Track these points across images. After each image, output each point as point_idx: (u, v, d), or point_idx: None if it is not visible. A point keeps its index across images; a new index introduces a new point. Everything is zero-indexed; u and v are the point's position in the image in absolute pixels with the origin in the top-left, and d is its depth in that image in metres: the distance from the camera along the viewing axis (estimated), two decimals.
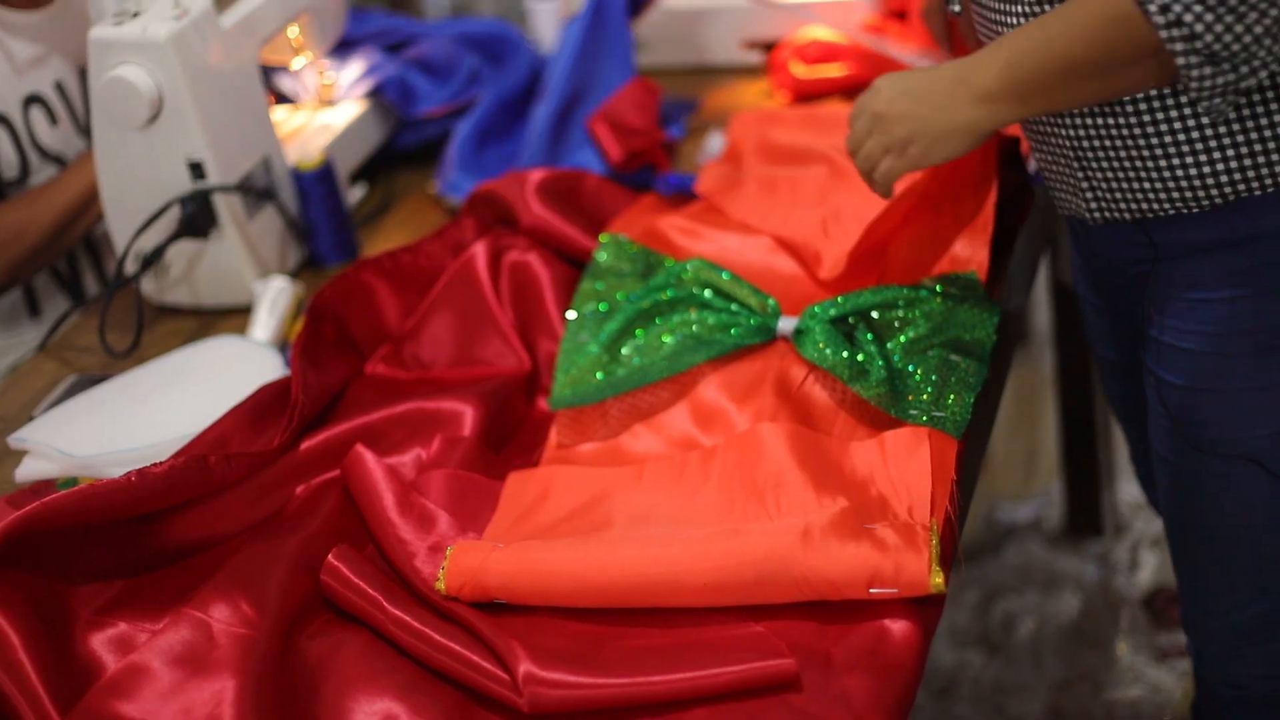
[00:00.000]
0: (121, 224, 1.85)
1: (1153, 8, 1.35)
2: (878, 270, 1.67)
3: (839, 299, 1.56)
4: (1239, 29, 1.34)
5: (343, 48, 2.25)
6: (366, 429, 1.52)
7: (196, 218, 1.80)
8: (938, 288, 1.58)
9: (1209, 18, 1.33)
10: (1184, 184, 1.50)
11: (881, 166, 1.54)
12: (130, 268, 1.83)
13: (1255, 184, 1.47)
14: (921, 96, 1.52)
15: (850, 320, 1.56)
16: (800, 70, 2.20)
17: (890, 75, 1.57)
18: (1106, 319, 1.79)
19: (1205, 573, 1.69)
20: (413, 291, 1.73)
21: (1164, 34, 1.35)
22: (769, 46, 2.32)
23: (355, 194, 2.08)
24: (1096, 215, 1.60)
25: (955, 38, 2.04)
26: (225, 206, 1.82)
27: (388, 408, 1.54)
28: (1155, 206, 1.53)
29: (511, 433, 1.59)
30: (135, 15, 1.78)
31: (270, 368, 1.63)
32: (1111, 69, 1.42)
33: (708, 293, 1.62)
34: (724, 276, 1.62)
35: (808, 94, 2.19)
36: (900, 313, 1.56)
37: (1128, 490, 2.74)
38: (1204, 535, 1.67)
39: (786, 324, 1.57)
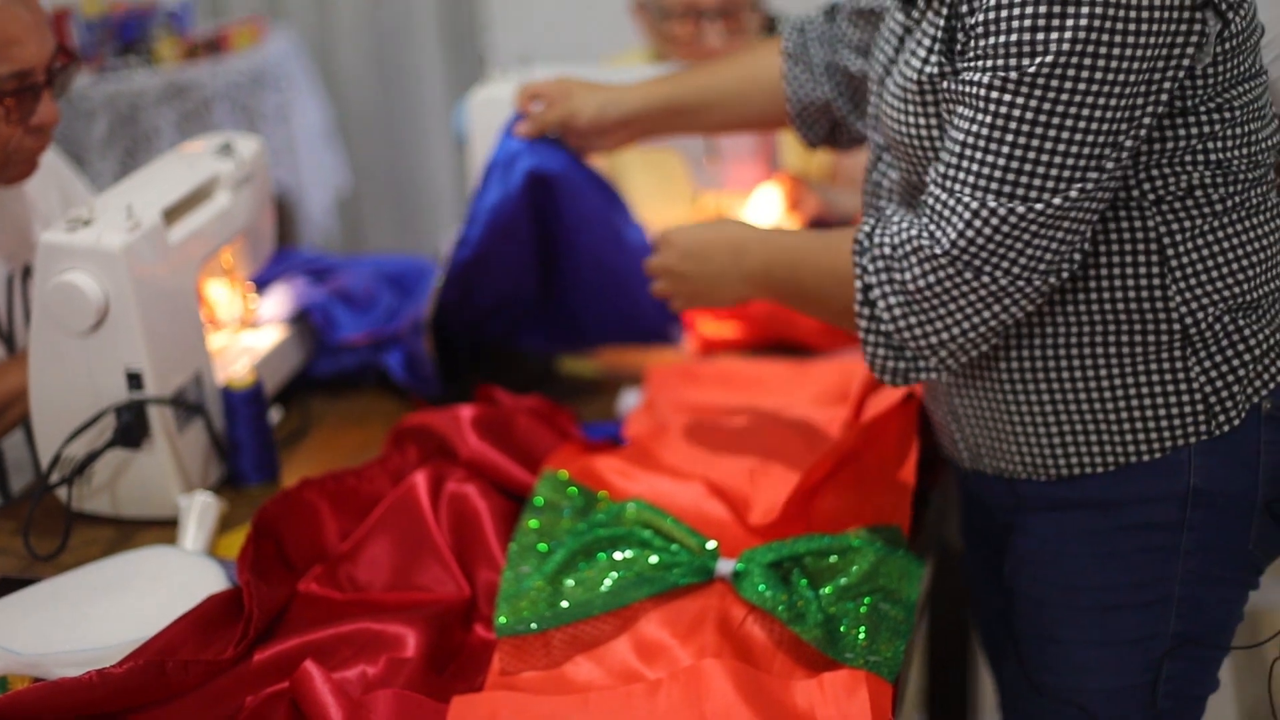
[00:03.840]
0: (49, 428, 1.84)
1: (859, 284, 1.57)
2: (805, 519, 1.74)
3: (774, 545, 1.63)
4: (918, 332, 1.55)
5: (265, 280, 2.29)
6: (316, 645, 1.52)
7: (131, 428, 1.81)
8: (867, 539, 1.65)
9: (897, 312, 1.54)
10: (1038, 457, 1.63)
11: (675, 303, 1.88)
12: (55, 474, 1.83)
13: (1099, 462, 1.60)
14: (702, 260, 1.81)
15: (785, 565, 1.63)
16: (710, 327, 2.30)
17: (682, 230, 1.84)
18: (982, 560, 1.89)
19: None
20: (352, 514, 1.75)
21: (857, 308, 1.58)
22: None
23: (272, 416, 2.11)
24: (968, 465, 1.72)
25: None
26: (159, 419, 1.83)
27: (334, 626, 1.55)
28: (1016, 469, 1.66)
29: (452, 657, 1.60)
30: (87, 223, 1.81)
31: (211, 579, 1.63)
32: (833, 310, 1.64)
33: (647, 533, 1.67)
34: (663, 518, 1.68)
35: (714, 349, 2.29)
36: (833, 560, 1.63)
37: None
38: None
39: (725, 566, 1.63)
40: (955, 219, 1.47)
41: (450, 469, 1.79)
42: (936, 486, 1.90)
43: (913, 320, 1.54)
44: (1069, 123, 1.42)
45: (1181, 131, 1.50)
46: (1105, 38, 1.39)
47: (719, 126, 2.08)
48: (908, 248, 1.51)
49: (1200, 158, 1.51)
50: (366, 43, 4.68)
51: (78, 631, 1.51)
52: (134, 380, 1.82)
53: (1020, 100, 1.42)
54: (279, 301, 2.25)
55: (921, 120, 1.57)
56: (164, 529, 1.84)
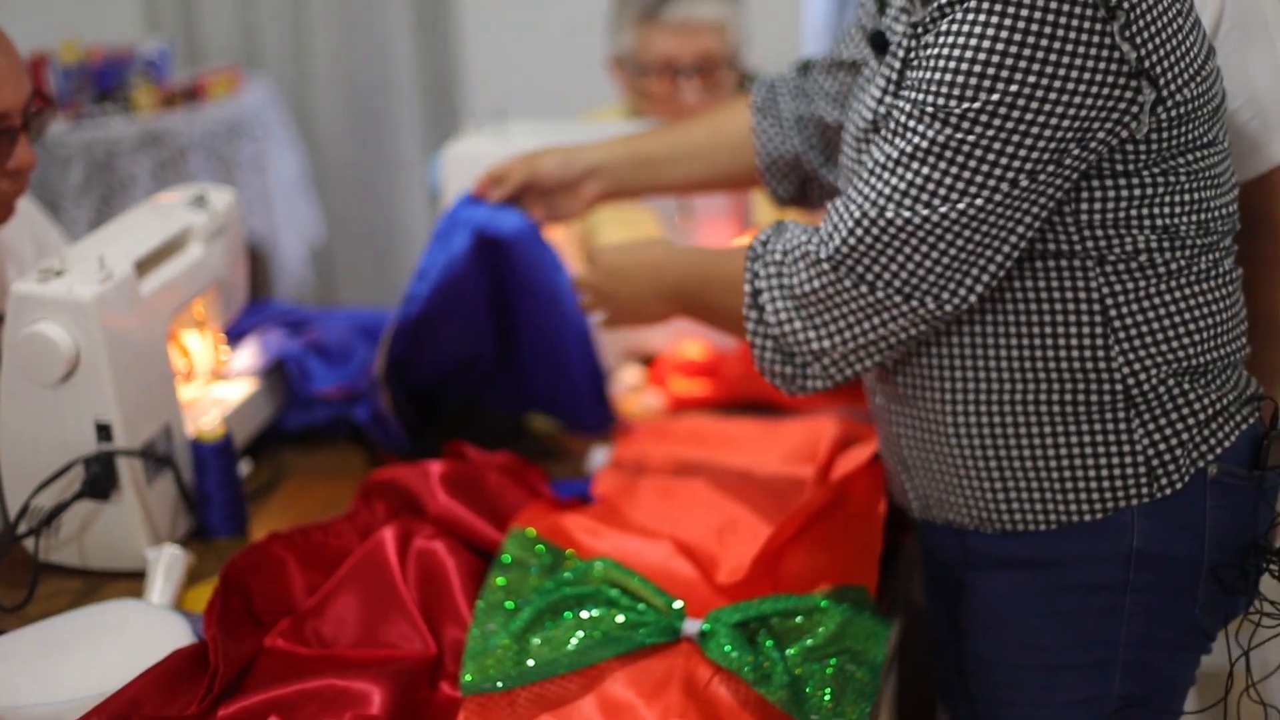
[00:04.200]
0: (18, 478, 1.84)
1: (748, 288, 1.62)
2: (772, 578, 1.75)
3: (742, 605, 1.64)
4: (803, 336, 1.60)
5: (238, 332, 2.30)
6: (281, 701, 1.52)
7: (100, 479, 1.81)
8: (833, 599, 1.66)
9: (784, 315, 1.61)
10: (984, 509, 1.64)
11: (596, 318, 2.00)
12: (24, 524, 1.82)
13: (1042, 520, 1.62)
14: (624, 280, 1.90)
15: (751, 626, 1.63)
16: (681, 385, 2.31)
17: (609, 250, 1.93)
18: (939, 616, 1.89)
19: None
20: (320, 569, 1.75)
21: (745, 310, 1.63)
22: (647, 360, 2.42)
23: (242, 469, 2.10)
24: (917, 515, 1.73)
25: None
26: (128, 470, 1.83)
27: (299, 682, 1.55)
28: (963, 520, 1.67)
29: (417, 715, 1.60)
30: (59, 274, 1.81)
31: (177, 633, 1.62)
32: (740, 322, 1.67)
33: (614, 591, 1.67)
34: (631, 577, 1.68)
35: (684, 407, 2.30)
36: (799, 620, 1.64)
37: None
38: None
39: (691, 626, 1.63)
40: (842, 226, 1.54)
41: (418, 525, 1.79)
42: (906, 546, 1.91)
43: (798, 324, 1.60)
44: (972, 163, 1.46)
45: (1125, 194, 1.51)
46: (1039, 94, 1.43)
47: (687, 182, 2.09)
48: (797, 253, 1.59)
49: (1146, 221, 1.53)
50: (343, 93, 4.69)
51: (42, 684, 1.51)
52: (103, 431, 1.82)
53: (931, 134, 1.47)
54: (255, 352, 2.25)
55: None
56: (132, 581, 1.83)
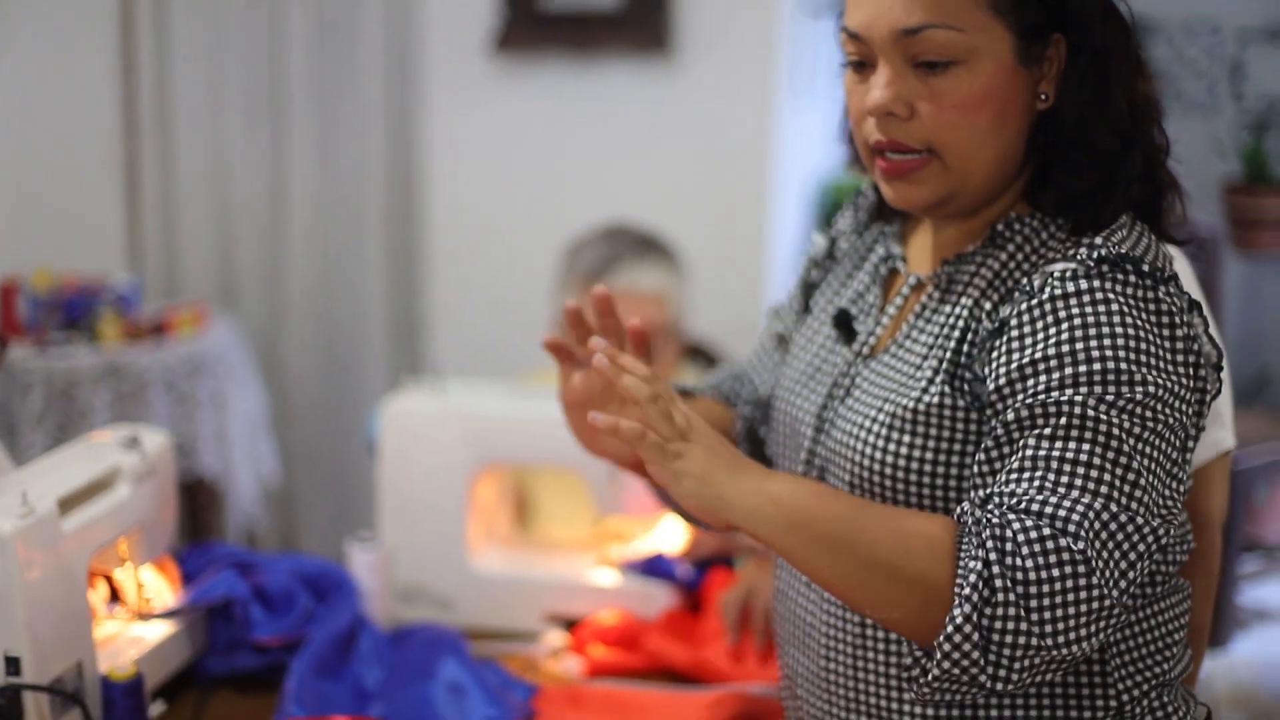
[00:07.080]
0: None
1: (980, 557, 1.38)
2: None
3: None
4: (1025, 626, 1.36)
5: (186, 573, 2.31)
6: None
7: (5, 712, 1.82)
8: None
9: (1013, 597, 1.37)
10: None
11: (656, 455, 1.52)
12: None
13: None
14: (724, 462, 1.52)
15: None
16: (599, 652, 2.33)
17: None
18: None
19: None
20: None
21: (970, 591, 1.37)
22: (570, 623, 2.44)
23: (153, 710, 2.10)
24: None
25: (745, 631, 2.21)
26: (34, 705, 1.84)
27: None
28: None
29: None
30: None
31: None
32: (897, 578, 1.42)
33: None
34: None
35: (602, 673, 2.31)
36: None
37: None
38: None
39: None
40: (1083, 520, 1.39)
41: None
42: None
43: (1023, 611, 1.37)
44: (1168, 450, 1.45)
45: None
46: (1174, 373, 1.46)
47: None
48: (1034, 534, 1.38)
49: None
50: (313, 335, 4.77)
51: None
52: (12, 665, 1.83)
53: (1118, 420, 1.42)
54: (198, 593, 2.24)
55: (915, 450, 1.56)
56: None
